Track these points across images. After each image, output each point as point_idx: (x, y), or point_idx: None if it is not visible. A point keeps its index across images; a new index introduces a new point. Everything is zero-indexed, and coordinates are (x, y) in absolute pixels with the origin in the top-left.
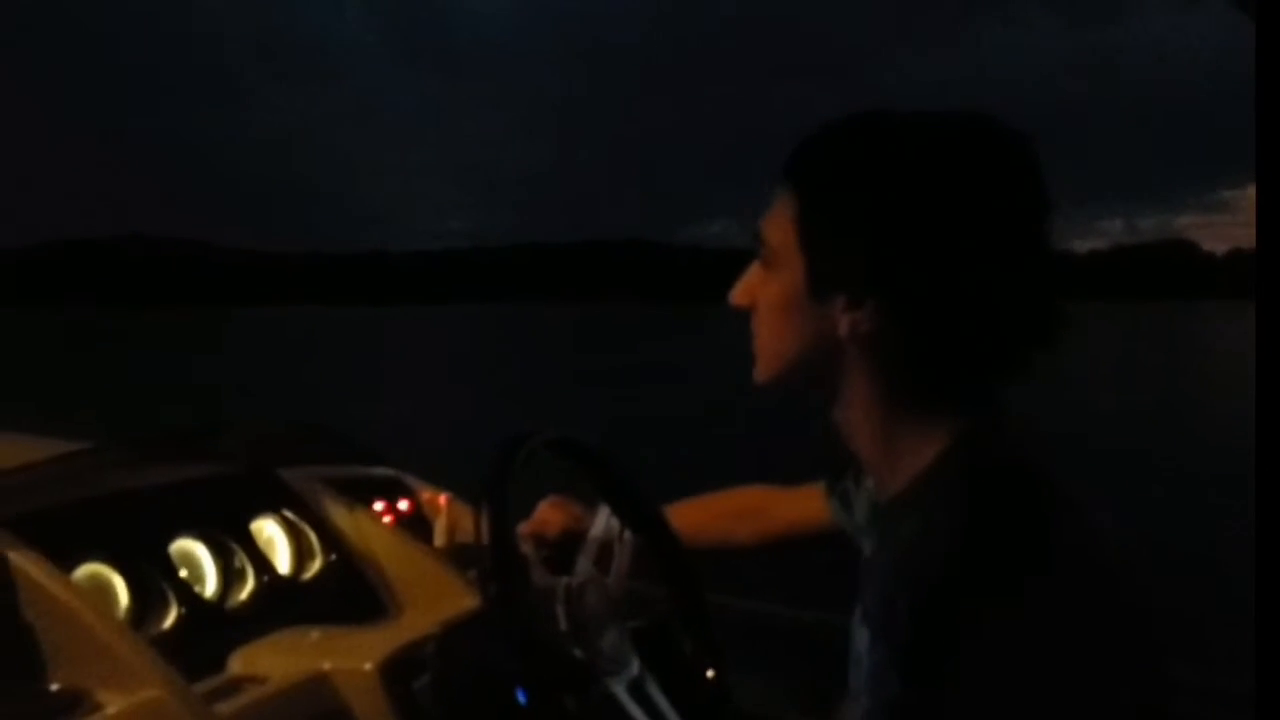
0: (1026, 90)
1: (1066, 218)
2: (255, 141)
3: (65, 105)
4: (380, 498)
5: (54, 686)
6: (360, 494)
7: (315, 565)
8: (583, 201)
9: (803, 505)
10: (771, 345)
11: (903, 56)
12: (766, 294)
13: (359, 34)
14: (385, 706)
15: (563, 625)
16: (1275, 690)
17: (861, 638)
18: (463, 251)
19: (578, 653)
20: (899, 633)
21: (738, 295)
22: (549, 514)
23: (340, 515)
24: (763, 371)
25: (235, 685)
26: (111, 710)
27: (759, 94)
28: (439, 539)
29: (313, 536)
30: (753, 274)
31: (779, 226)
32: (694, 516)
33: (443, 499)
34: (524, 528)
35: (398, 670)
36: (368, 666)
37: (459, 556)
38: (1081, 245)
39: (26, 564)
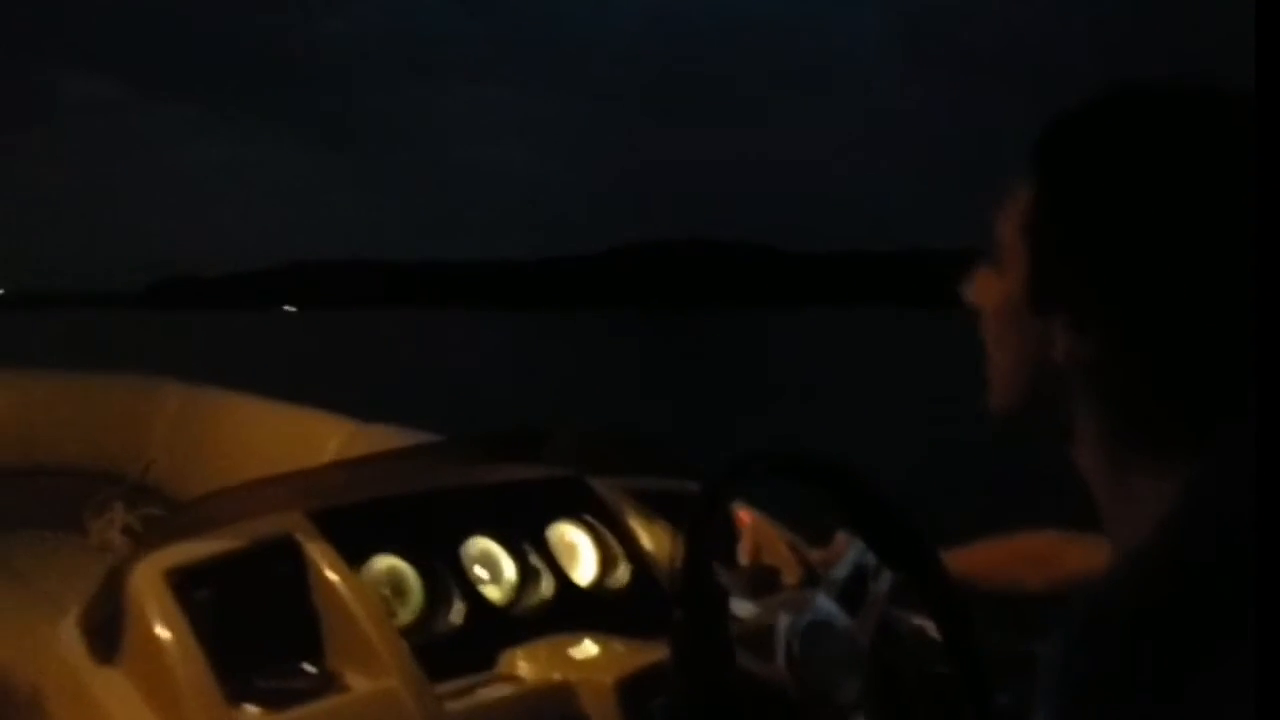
0: None
1: None
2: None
3: (622, 113)
4: None
5: (315, 667)
6: (670, 507)
7: (611, 575)
8: None
9: (1094, 556)
10: (995, 360)
11: None
12: (989, 298)
13: (865, 45)
14: None
15: (781, 666)
16: (1275, 690)
17: None
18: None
19: (792, 695)
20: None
21: (970, 292)
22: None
23: (641, 527)
24: (994, 395)
25: (489, 685)
26: (352, 694)
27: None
28: (742, 558)
29: (613, 546)
30: (982, 272)
31: (1009, 220)
32: (979, 561)
33: (746, 517)
34: (817, 555)
35: (638, 687)
36: (607, 680)
37: (761, 579)
38: None
39: (316, 553)
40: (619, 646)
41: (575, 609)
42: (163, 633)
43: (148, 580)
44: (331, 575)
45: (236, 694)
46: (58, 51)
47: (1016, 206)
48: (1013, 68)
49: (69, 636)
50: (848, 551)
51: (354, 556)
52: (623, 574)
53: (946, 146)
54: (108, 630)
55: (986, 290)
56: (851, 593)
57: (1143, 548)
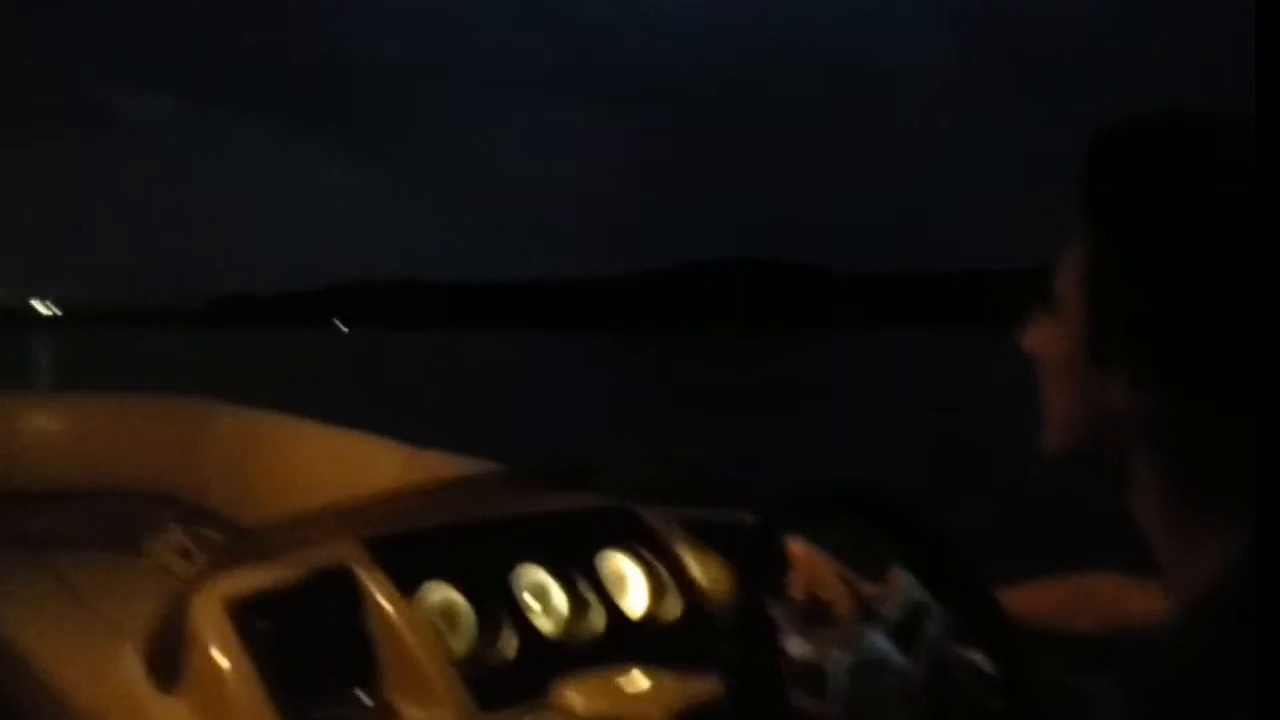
0: None
1: None
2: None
3: (676, 131)
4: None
5: (370, 696)
6: (722, 537)
7: (661, 606)
8: None
9: (1153, 600)
10: (1050, 406)
11: None
12: (1047, 346)
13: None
14: None
15: (831, 704)
16: (1275, 690)
17: None
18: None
19: None
20: None
21: (1026, 340)
22: None
23: (693, 558)
24: (1048, 438)
25: (540, 716)
26: None
27: None
28: (794, 591)
29: (663, 577)
30: (1040, 320)
31: (1065, 268)
32: (1035, 600)
33: (798, 549)
34: (870, 589)
35: None
36: (658, 714)
37: (814, 613)
38: None
39: (371, 582)
40: (670, 680)
41: (625, 640)
42: (222, 661)
43: (208, 609)
44: (386, 605)
45: None
46: (117, 68)
47: (1074, 258)
48: (1076, 82)
49: (130, 662)
50: (901, 588)
51: (408, 585)
52: (673, 605)
53: (1007, 165)
54: (168, 658)
55: (1044, 338)
56: (905, 630)
57: (1208, 598)
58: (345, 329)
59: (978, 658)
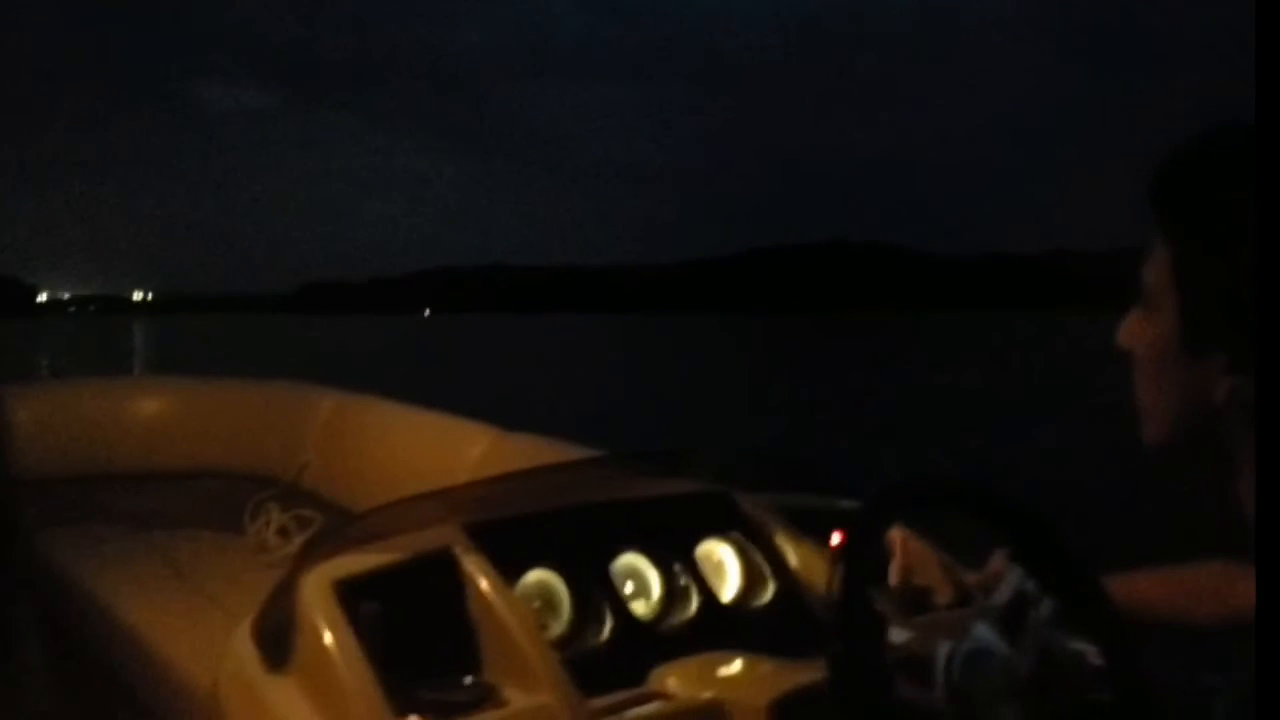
0: None
1: None
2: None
3: (758, 113)
4: (840, 530)
5: (472, 679)
6: (819, 525)
7: (759, 593)
8: None
9: None
10: (1147, 401)
11: None
12: (1141, 341)
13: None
14: None
15: (937, 693)
16: (1276, 689)
17: None
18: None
19: None
20: None
21: (1120, 336)
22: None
23: (789, 545)
24: (1148, 431)
25: (641, 701)
26: (510, 709)
27: None
28: (893, 578)
29: (760, 564)
30: (1132, 316)
31: (1156, 263)
32: (1144, 590)
33: (897, 536)
34: (972, 578)
35: (791, 708)
36: (760, 700)
37: (912, 599)
38: None
39: (474, 567)
40: (768, 666)
41: (719, 626)
42: (331, 643)
43: (317, 591)
44: (488, 589)
45: (401, 704)
46: (209, 63)
47: (1164, 252)
48: (1162, 60)
49: (240, 641)
50: (1007, 577)
51: (509, 570)
52: (768, 592)
53: (1094, 145)
54: (278, 638)
55: (1136, 334)
56: (1011, 620)
57: None
58: (427, 313)
59: (1085, 648)
